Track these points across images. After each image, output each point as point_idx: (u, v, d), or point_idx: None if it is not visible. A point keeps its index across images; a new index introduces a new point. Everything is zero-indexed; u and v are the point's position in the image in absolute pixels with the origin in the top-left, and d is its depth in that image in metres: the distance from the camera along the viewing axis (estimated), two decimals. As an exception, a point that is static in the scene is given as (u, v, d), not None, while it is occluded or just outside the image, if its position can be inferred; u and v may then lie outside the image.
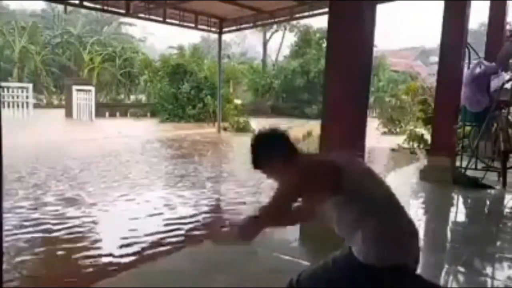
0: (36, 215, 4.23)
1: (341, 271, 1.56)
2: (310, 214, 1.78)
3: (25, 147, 8.66)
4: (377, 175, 1.67)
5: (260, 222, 1.58)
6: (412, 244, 1.56)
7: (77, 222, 4.04)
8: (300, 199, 1.68)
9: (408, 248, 1.53)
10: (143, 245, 3.46)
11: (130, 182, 5.99)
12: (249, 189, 5.69)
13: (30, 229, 3.79)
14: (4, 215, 3.95)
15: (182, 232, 3.84)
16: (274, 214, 1.57)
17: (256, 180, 5.82)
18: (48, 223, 3.98)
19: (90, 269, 3.00)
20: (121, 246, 3.40)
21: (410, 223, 1.57)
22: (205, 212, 4.60)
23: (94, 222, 4.15)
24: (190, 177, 6.49)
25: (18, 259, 3.10)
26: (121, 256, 3.22)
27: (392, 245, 1.48)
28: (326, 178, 1.53)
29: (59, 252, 3.32)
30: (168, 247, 3.43)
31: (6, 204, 4.42)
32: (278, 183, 1.64)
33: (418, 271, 2.55)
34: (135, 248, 3.38)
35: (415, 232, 1.58)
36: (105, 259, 3.17)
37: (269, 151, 1.69)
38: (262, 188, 5.57)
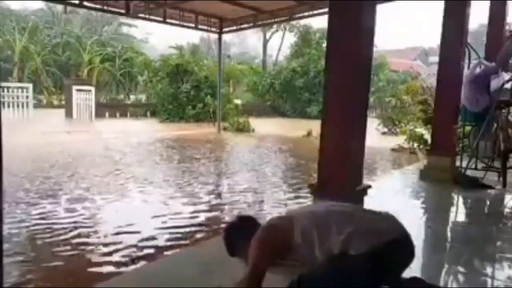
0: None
1: (338, 266, 1.59)
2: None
3: (28, 147, 8.67)
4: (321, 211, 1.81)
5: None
6: (392, 223, 1.71)
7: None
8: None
9: (392, 227, 1.68)
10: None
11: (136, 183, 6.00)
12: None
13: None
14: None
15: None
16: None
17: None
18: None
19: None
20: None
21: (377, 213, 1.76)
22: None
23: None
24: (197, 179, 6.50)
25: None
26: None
27: (373, 231, 1.62)
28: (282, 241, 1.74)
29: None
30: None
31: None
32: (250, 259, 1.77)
33: (418, 271, 2.56)
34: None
35: (387, 215, 1.75)
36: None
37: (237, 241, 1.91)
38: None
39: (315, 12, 9.77)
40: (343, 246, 1.58)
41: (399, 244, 1.62)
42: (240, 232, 1.92)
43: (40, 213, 4.33)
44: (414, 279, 1.80)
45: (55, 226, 3.91)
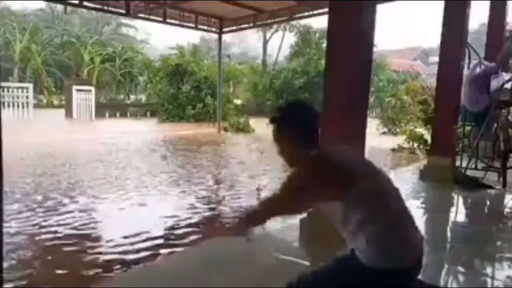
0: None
1: (342, 272, 1.53)
2: (307, 206, 1.73)
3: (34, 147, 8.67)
4: (388, 179, 1.62)
5: (262, 216, 1.60)
6: (416, 249, 1.53)
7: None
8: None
9: (412, 252, 1.50)
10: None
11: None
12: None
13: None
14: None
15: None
16: (278, 208, 1.59)
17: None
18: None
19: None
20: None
21: (415, 228, 1.54)
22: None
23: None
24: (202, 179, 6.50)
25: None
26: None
27: (396, 249, 1.46)
28: (341, 178, 1.50)
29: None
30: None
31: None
32: (291, 172, 1.58)
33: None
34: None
35: (419, 237, 1.55)
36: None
37: (295, 124, 1.64)
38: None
39: (315, 12, 9.76)
40: (359, 241, 1.47)
41: (413, 269, 1.52)
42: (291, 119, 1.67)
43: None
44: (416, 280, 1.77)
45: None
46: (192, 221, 4.24)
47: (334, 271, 1.56)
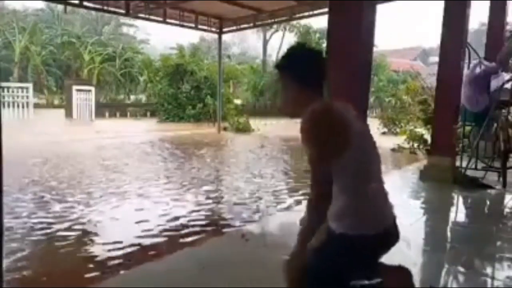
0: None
1: (327, 249, 1.57)
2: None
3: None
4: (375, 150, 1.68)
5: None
6: (387, 216, 1.60)
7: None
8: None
9: (384, 219, 1.58)
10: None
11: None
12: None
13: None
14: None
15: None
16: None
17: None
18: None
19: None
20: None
21: (383, 193, 1.62)
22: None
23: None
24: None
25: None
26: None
27: (364, 216, 1.53)
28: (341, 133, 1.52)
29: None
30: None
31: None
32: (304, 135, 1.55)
33: (419, 271, 2.56)
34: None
35: (390, 205, 1.62)
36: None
37: (305, 67, 1.60)
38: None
39: (315, 12, 9.78)
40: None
41: (390, 231, 1.59)
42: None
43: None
44: (400, 268, 1.76)
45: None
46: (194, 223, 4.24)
47: (319, 249, 1.59)
